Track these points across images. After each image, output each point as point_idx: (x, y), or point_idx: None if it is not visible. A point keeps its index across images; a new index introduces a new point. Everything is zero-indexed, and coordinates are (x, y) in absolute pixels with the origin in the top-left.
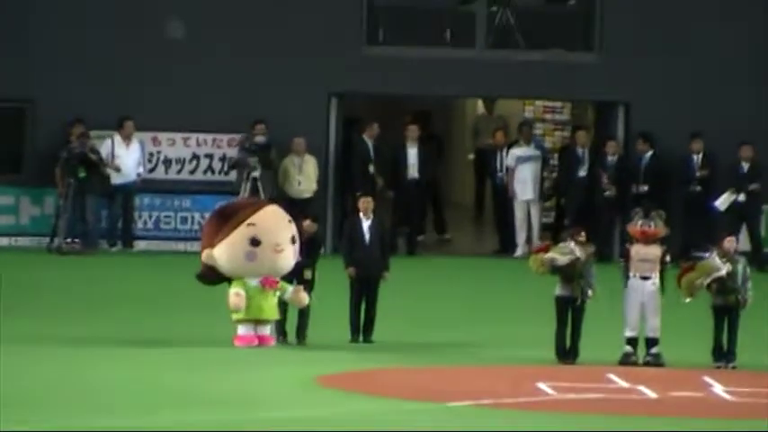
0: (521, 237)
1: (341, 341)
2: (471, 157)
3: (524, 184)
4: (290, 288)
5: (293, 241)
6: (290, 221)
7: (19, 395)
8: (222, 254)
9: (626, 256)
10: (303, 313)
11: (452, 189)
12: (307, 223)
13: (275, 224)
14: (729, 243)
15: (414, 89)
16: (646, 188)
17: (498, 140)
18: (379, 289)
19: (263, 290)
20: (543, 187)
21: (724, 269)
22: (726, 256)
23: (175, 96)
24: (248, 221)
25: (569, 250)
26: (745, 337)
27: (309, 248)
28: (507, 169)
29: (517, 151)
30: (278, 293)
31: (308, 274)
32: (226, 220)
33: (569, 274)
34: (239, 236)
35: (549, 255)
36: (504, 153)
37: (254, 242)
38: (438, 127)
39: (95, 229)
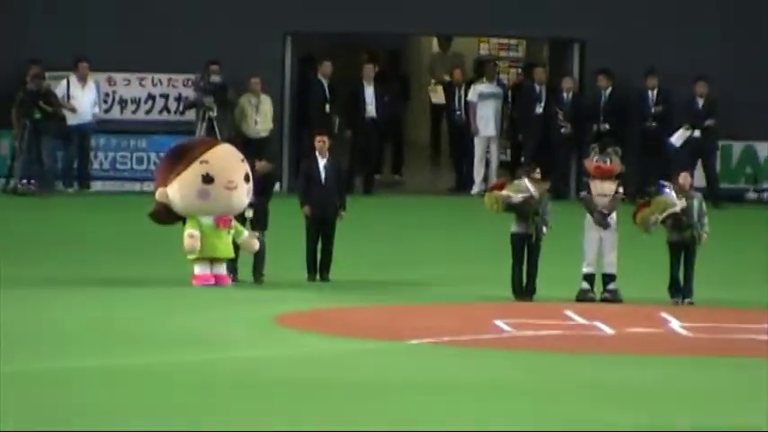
0: (479, 174)
1: (298, 280)
2: (437, 90)
3: (486, 120)
4: (245, 233)
5: (247, 179)
6: (242, 160)
7: None
8: (175, 192)
9: (587, 189)
10: (258, 252)
11: (408, 128)
12: (260, 164)
13: (228, 162)
14: (685, 179)
15: (369, 28)
16: (607, 126)
17: (456, 78)
18: (335, 228)
19: (217, 228)
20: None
21: (679, 205)
22: (681, 191)
23: (131, 37)
24: (201, 159)
25: (524, 188)
26: (701, 272)
27: (263, 186)
28: (467, 106)
29: (480, 87)
30: (232, 233)
31: (248, 213)
32: (179, 159)
33: (524, 211)
34: (192, 173)
35: (505, 192)
36: (462, 91)
37: (207, 179)
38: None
39: (51, 170)
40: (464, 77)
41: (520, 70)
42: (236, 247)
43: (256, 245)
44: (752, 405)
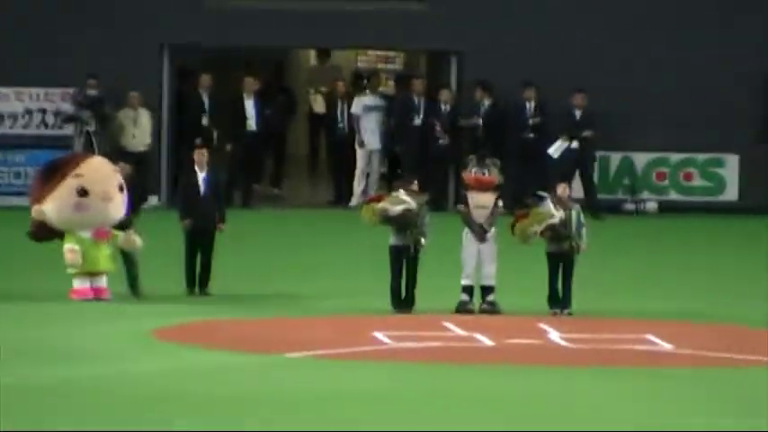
0: (359, 187)
1: (177, 294)
2: (317, 100)
3: (371, 133)
4: (121, 234)
5: (121, 189)
6: (115, 170)
7: None
8: (51, 208)
9: (464, 202)
10: (132, 265)
11: (287, 140)
12: (120, 165)
13: (101, 174)
14: (563, 190)
15: (249, 41)
16: (480, 132)
17: (339, 90)
18: (214, 241)
19: (97, 242)
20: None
21: (558, 216)
22: (560, 203)
23: (7, 51)
24: (74, 173)
25: (402, 200)
26: (580, 283)
27: (132, 196)
28: (351, 118)
29: (364, 100)
30: (111, 244)
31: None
32: (51, 175)
33: (402, 223)
34: (66, 188)
35: (382, 205)
36: (345, 103)
37: (82, 192)
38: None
39: None
40: (347, 89)
41: (392, 82)
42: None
43: (137, 241)
44: (629, 413)
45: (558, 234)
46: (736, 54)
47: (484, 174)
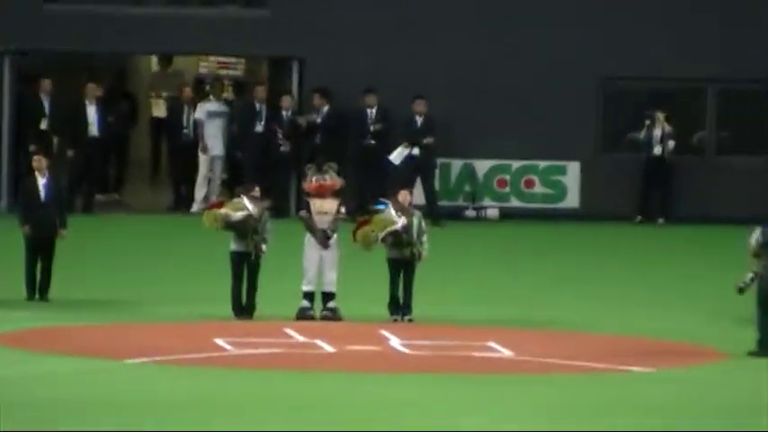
0: (200, 192)
1: (17, 300)
2: (158, 104)
3: (214, 139)
4: None
5: None
6: None
7: None
8: None
9: (306, 209)
10: None
11: (129, 146)
12: None
13: None
14: (404, 197)
15: (90, 46)
16: (318, 141)
17: (185, 96)
18: (54, 247)
19: None
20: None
21: (399, 222)
22: (401, 209)
23: None
24: None
25: (243, 206)
26: (421, 289)
27: None
28: (195, 124)
29: (208, 106)
30: None
31: None
32: None
33: (243, 229)
34: None
35: (224, 210)
36: (192, 109)
37: None
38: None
39: None
40: (192, 95)
41: (231, 88)
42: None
43: None
44: (465, 420)
45: (399, 240)
46: (578, 62)
47: (325, 180)
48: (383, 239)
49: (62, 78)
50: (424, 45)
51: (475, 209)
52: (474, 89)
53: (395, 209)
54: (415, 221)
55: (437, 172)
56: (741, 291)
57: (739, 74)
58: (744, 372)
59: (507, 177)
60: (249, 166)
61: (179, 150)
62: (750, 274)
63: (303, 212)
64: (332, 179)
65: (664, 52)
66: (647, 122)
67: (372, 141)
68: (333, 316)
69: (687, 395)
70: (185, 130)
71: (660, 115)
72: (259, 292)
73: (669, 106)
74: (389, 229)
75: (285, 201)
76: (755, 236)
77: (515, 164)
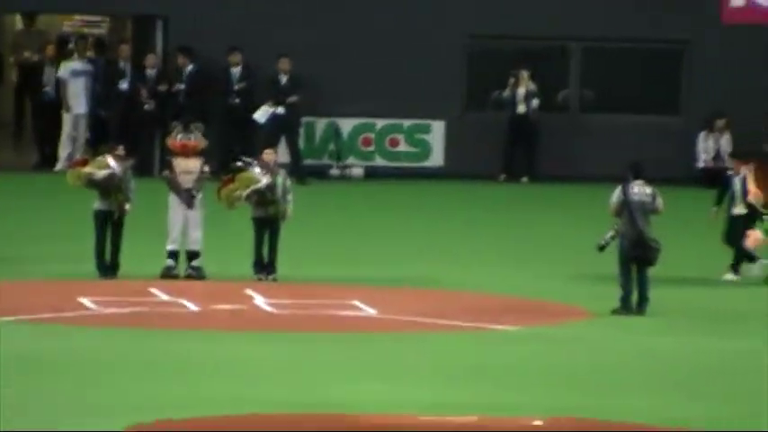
0: (65, 151)
1: None
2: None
3: (78, 97)
4: None
5: None
6: None
7: None
8: None
9: (170, 168)
10: None
11: None
12: None
13: None
14: (269, 155)
15: None
16: (181, 89)
17: (49, 54)
18: None
19: None
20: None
21: (264, 181)
22: (266, 168)
23: None
24: None
25: (106, 164)
26: (285, 249)
27: None
28: (58, 83)
29: (72, 64)
30: None
31: None
32: None
33: (107, 188)
34: None
35: (87, 169)
36: (55, 68)
37: None
38: None
39: None
40: (55, 54)
41: (94, 47)
42: None
43: None
44: (328, 378)
45: (264, 199)
46: (443, 20)
47: (189, 139)
48: (247, 198)
49: None
50: (289, 3)
51: (339, 168)
52: (339, 47)
53: (259, 167)
54: (280, 180)
55: (302, 131)
56: (602, 249)
57: (603, 32)
58: (607, 329)
59: (372, 136)
60: (113, 125)
61: (42, 109)
62: (611, 233)
63: (167, 172)
64: (196, 139)
65: (528, 11)
66: (512, 81)
67: (237, 100)
68: (197, 275)
69: (551, 353)
70: (47, 89)
71: (524, 74)
72: (123, 250)
73: (533, 65)
74: (253, 187)
75: (149, 160)
76: (616, 194)
77: (380, 122)
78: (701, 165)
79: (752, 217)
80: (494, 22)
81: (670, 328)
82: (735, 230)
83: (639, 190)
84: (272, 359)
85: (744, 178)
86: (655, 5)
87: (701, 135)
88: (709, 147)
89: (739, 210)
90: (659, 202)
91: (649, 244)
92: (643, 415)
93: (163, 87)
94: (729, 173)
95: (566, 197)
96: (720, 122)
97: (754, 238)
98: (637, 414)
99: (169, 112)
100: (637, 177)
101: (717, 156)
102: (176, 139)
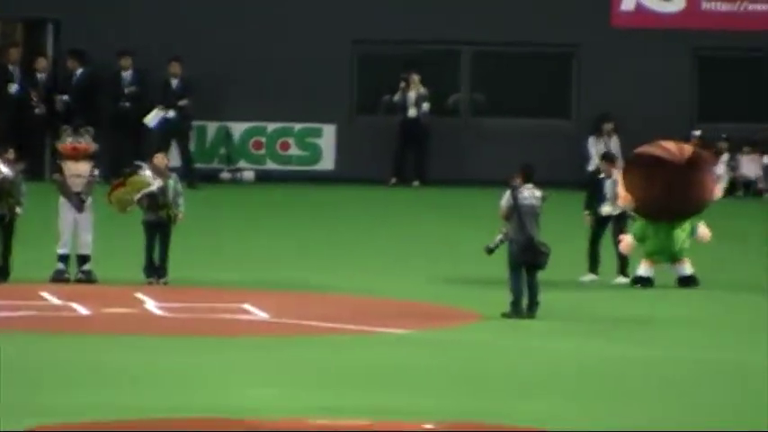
0: None
1: None
2: None
3: None
4: None
5: None
6: None
7: None
8: None
9: (60, 172)
10: None
11: None
12: None
13: None
14: (160, 159)
15: None
16: (65, 97)
17: None
18: None
19: None
20: None
21: (155, 185)
22: (157, 171)
23: None
24: None
25: None
26: (176, 252)
27: None
28: None
29: None
30: None
31: None
32: None
33: None
34: None
35: None
36: None
37: None
38: None
39: None
40: None
41: None
42: None
43: None
44: (218, 383)
45: (155, 203)
46: (333, 25)
47: (80, 142)
48: (139, 202)
49: None
50: (180, 7)
51: (230, 171)
52: (229, 51)
53: (151, 171)
54: (171, 184)
55: (193, 134)
56: (490, 252)
57: (493, 36)
58: (497, 333)
59: (263, 140)
60: (3, 129)
61: None
62: (500, 236)
63: (57, 175)
64: (87, 142)
65: (418, 15)
66: (402, 85)
67: (127, 104)
68: (87, 278)
69: (442, 357)
70: None
71: (415, 77)
72: (14, 254)
73: (424, 69)
74: (145, 191)
75: (40, 163)
76: (506, 198)
77: (271, 126)
78: (591, 168)
79: (623, 220)
80: (382, 27)
81: (560, 332)
82: (599, 232)
83: (529, 194)
84: (162, 364)
85: (615, 181)
86: (545, 10)
87: (591, 139)
88: (599, 150)
89: (607, 210)
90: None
91: (539, 248)
92: (533, 418)
93: (61, 96)
94: (600, 176)
95: (456, 201)
96: (608, 126)
97: (625, 243)
98: (527, 417)
99: (59, 116)
100: (527, 181)
101: None
102: (66, 142)
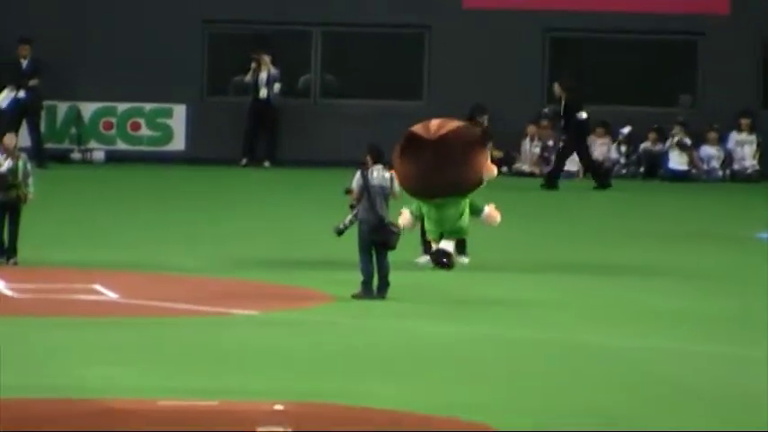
0: None
1: None
2: None
3: None
4: None
5: None
6: None
7: None
8: None
9: None
10: None
11: None
12: None
13: None
14: (10, 139)
15: None
16: None
17: None
18: None
19: None
20: None
21: (5, 165)
22: (7, 152)
23: None
24: None
25: None
26: (26, 233)
27: None
28: None
29: None
30: None
31: None
32: None
33: None
34: None
35: None
36: None
37: None
38: None
39: None
40: None
41: None
42: None
43: None
44: (79, 363)
45: (4, 183)
46: (182, 4)
47: None
48: None
49: None
50: None
51: (81, 151)
52: (80, 31)
53: (1, 151)
54: (21, 164)
55: (43, 114)
56: (340, 233)
57: (344, 17)
58: (348, 314)
59: (113, 120)
60: None
61: None
62: (349, 217)
63: None
64: None
65: None
66: (253, 66)
67: None
68: None
69: (294, 337)
70: None
71: (266, 58)
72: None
73: (276, 49)
74: None
75: None
76: (356, 179)
77: (121, 106)
78: None
79: None
80: (234, 6)
81: (410, 312)
82: None
83: (378, 174)
84: (11, 344)
85: None
86: None
87: None
88: None
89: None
90: (396, 186)
91: (389, 228)
92: (385, 400)
93: None
94: None
95: (307, 181)
96: (483, 118)
97: (403, 216)
98: (379, 399)
99: None
100: (376, 162)
101: None
102: None
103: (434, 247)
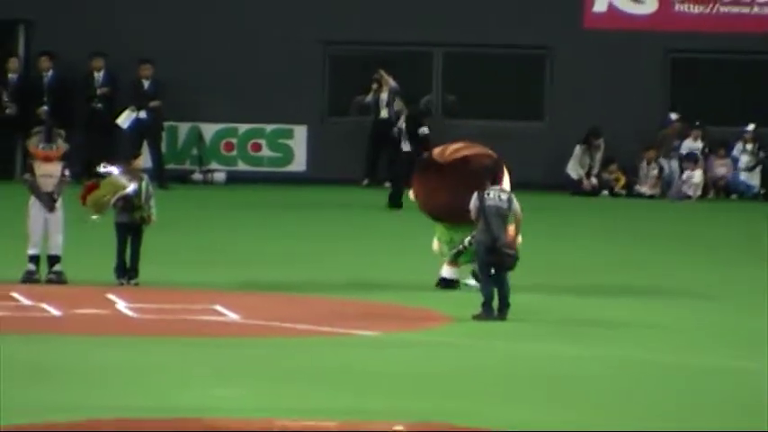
0: None
1: None
2: None
3: None
4: None
5: None
6: None
7: None
8: None
9: (30, 172)
10: None
11: None
12: None
13: None
14: (139, 162)
15: None
16: (46, 108)
17: None
18: None
19: None
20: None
21: (131, 187)
22: (130, 173)
23: None
24: None
25: None
26: (147, 254)
27: None
28: None
29: None
30: None
31: None
32: None
33: None
34: None
35: None
36: None
37: None
38: None
39: None
40: None
41: None
42: None
43: None
44: (191, 383)
45: (130, 204)
46: (303, 26)
47: (52, 149)
48: (114, 204)
49: None
50: (152, 9)
51: (202, 172)
52: (201, 52)
53: (124, 173)
54: (143, 185)
55: (164, 135)
56: (458, 254)
57: (465, 38)
58: (468, 335)
59: (234, 141)
60: None
61: None
62: (467, 238)
63: (27, 175)
64: (59, 147)
65: (390, 16)
66: (374, 86)
67: (99, 105)
68: (58, 279)
69: (413, 358)
70: None
71: (385, 75)
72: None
73: (396, 70)
74: (121, 193)
75: (11, 163)
76: (473, 200)
77: (242, 127)
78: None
79: None
80: (354, 28)
81: (529, 333)
82: None
83: (494, 195)
84: (133, 364)
85: None
86: (517, 11)
87: (578, 147)
88: (584, 162)
89: None
90: (516, 206)
91: (503, 250)
92: (505, 421)
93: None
94: None
95: None
96: (597, 141)
97: (435, 244)
98: (499, 420)
99: (31, 117)
100: (494, 183)
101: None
102: (38, 148)
103: (447, 268)
